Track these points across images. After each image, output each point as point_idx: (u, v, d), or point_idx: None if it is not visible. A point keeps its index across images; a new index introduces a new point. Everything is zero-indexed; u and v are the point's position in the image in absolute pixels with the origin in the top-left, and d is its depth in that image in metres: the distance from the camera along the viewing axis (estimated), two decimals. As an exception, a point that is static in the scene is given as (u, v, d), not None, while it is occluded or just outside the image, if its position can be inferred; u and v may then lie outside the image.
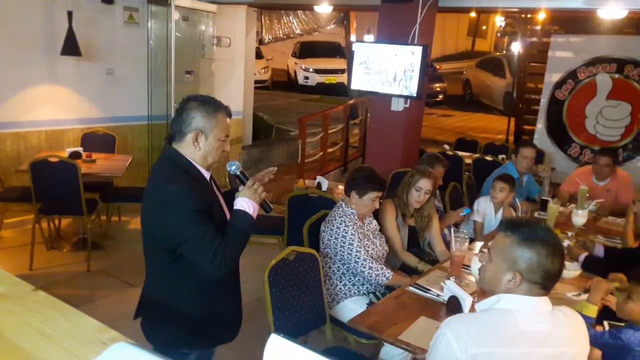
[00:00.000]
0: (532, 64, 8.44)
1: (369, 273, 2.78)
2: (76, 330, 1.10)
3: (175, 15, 5.57)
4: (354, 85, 5.19)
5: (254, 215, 1.99)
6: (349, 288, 2.85)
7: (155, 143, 5.88)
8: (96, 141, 5.18)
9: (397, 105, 4.94)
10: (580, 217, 3.65)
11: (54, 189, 4.12)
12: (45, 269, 4.25)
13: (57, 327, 1.07)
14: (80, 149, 4.76)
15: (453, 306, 2.28)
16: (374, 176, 2.89)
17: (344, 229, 2.79)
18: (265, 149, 8.02)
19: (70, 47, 4.86)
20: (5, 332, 1.02)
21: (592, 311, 2.14)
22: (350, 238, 2.78)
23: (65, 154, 4.49)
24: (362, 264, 2.77)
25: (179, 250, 1.90)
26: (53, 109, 5.18)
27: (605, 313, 2.31)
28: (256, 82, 8.36)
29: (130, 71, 5.65)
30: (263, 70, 15.78)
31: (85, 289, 3.98)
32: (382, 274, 2.80)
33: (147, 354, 0.78)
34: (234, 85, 6.93)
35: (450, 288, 2.35)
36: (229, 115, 2.03)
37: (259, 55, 12.38)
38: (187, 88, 5.95)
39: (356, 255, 2.77)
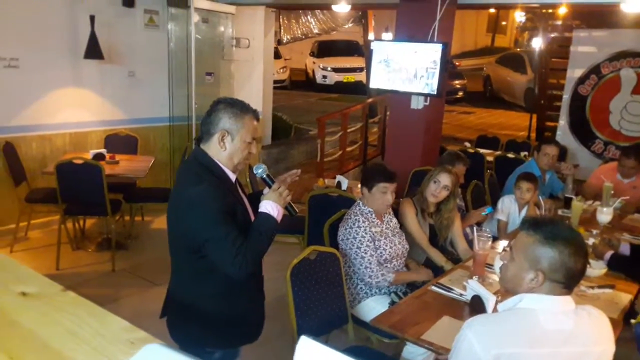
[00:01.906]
0: (554, 59, 8.31)
1: (369, 280, 2.76)
2: (105, 330, 1.12)
3: (195, 18, 5.63)
4: (373, 84, 5.17)
5: (279, 219, 2.01)
6: (370, 287, 2.85)
7: (177, 144, 5.95)
8: (119, 143, 5.26)
9: (417, 103, 4.92)
10: (605, 215, 3.58)
11: (78, 190, 4.19)
12: (71, 268, 4.33)
13: (86, 326, 1.10)
14: (103, 150, 4.83)
15: (476, 305, 2.26)
16: (380, 168, 2.89)
17: (356, 230, 2.78)
18: (285, 149, 8.04)
19: (93, 50, 4.95)
20: (37, 331, 1.05)
21: None
22: (360, 239, 2.76)
23: (89, 155, 4.57)
24: (366, 266, 2.75)
25: (202, 250, 1.92)
26: (77, 111, 5.27)
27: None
28: (275, 82, 8.39)
29: (152, 73, 5.72)
30: (281, 70, 15.82)
31: (110, 288, 4.05)
32: (383, 279, 2.77)
33: (179, 356, 0.79)
34: (253, 85, 6.97)
35: (473, 287, 2.33)
36: (257, 118, 2.06)
37: (277, 55, 12.41)
38: (207, 89, 6.02)
39: (361, 258, 2.75)
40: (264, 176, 2.11)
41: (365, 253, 2.76)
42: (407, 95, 4.94)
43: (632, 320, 2.44)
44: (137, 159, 5.00)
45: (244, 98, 2.09)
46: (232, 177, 2.05)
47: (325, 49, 16.56)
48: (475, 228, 2.91)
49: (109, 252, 4.46)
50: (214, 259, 1.92)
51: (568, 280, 1.51)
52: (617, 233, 3.53)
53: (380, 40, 5.79)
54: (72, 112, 5.24)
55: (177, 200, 2.00)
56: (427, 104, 4.88)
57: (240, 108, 1.99)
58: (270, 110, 7.93)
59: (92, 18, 4.92)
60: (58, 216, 4.45)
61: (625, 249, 3.11)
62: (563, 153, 5.91)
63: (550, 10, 8.24)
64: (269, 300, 2.25)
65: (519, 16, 20.73)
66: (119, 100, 5.54)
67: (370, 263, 2.76)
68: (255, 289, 2.17)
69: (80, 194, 4.24)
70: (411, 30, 4.92)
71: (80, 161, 4.18)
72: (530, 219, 1.65)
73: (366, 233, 2.78)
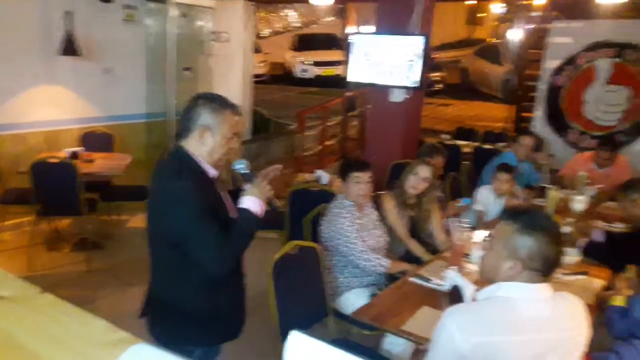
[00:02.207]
0: (531, 50, 8.42)
1: (364, 265, 2.79)
2: (86, 332, 1.11)
3: (174, 12, 5.56)
4: (352, 78, 5.18)
5: (260, 214, 2.00)
6: (350, 280, 2.87)
7: (154, 141, 5.88)
8: (95, 140, 5.18)
9: (397, 96, 4.94)
10: (579, 203, 3.66)
11: (53, 190, 4.12)
12: (46, 270, 4.25)
13: (67, 329, 1.09)
14: (79, 149, 4.76)
15: (454, 295, 2.29)
16: (352, 159, 2.94)
17: (341, 221, 2.81)
18: (264, 144, 8.02)
19: (69, 47, 4.86)
20: (15, 335, 1.03)
21: (620, 300, 2.39)
22: (347, 229, 2.79)
23: (64, 154, 4.49)
24: (358, 255, 2.78)
25: (183, 247, 1.91)
26: (52, 109, 5.18)
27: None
28: (254, 76, 8.34)
29: (129, 69, 5.64)
30: (261, 65, 15.73)
31: (87, 289, 3.99)
32: (379, 263, 2.81)
33: (167, 355, 0.80)
34: (232, 80, 6.92)
35: (451, 277, 2.36)
36: (238, 113, 2.04)
37: (256, 50, 12.33)
38: (185, 85, 5.95)
39: (352, 247, 2.78)
40: (245, 171, 2.10)
41: (355, 243, 2.79)
42: (387, 89, 4.96)
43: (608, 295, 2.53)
44: (114, 157, 4.93)
45: (224, 93, 2.07)
46: (213, 173, 2.04)
47: (304, 43, 16.49)
48: (453, 219, 2.95)
49: (84, 253, 4.39)
50: (195, 256, 1.91)
51: (545, 268, 1.55)
52: (591, 221, 3.62)
53: (360, 33, 5.79)
54: (47, 110, 5.14)
55: (156, 198, 1.99)
56: (409, 96, 4.91)
57: (220, 103, 1.97)
58: (250, 105, 7.89)
59: (68, 14, 4.82)
60: (32, 217, 4.36)
61: (599, 236, 3.19)
62: (539, 144, 6.00)
63: (528, 2, 8.32)
64: (250, 296, 2.24)
65: (498, 8, 20.90)
66: (95, 97, 5.45)
67: (362, 252, 2.79)
68: (237, 285, 2.17)
69: (55, 194, 4.16)
70: (392, 23, 4.93)
71: (55, 160, 4.11)
72: (509, 209, 1.68)
73: (352, 224, 2.81)
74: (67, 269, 4.31)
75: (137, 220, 5.25)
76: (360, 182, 2.85)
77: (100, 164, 4.61)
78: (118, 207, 5.27)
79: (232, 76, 6.93)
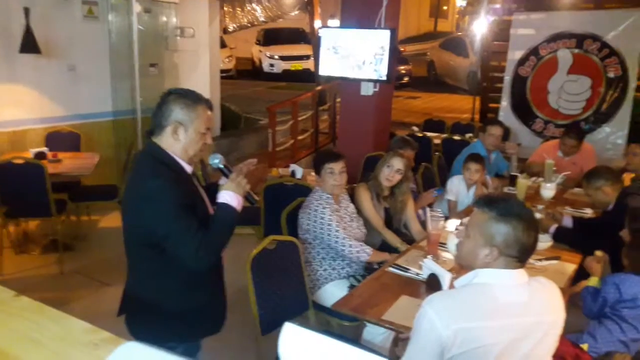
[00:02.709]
0: (495, 42, 8.57)
1: (349, 251, 2.82)
2: (65, 334, 1.09)
3: (137, 8, 5.45)
4: (323, 71, 5.18)
5: (239, 208, 1.99)
6: (329, 272, 2.89)
7: (122, 139, 5.77)
8: (61, 140, 5.06)
9: (367, 90, 4.97)
10: (548, 190, 3.76)
11: (20, 191, 4.00)
12: (16, 274, 4.14)
13: (45, 331, 1.06)
14: (45, 149, 4.64)
15: (432, 283, 2.33)
16: (324, 151, 2.96)
17: (322, 211, 2.83)
18: (235, 140, 7.96)
19: (29, 44, 4.71)
20: (-7, 340, 1.01)
21: (594, 281, 2.54)
22: (329, 219, 2.82)
23: (29, 154, 4.38)
24: (341, 243, 2.81)
25: (162, 244, 1.89)
26: (14, 109, 5.02)
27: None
28: (221, 71, 8.26)
29: (93, 67, 5.51)
30: (227, 60, 15.57)
31: (60, 291, 3.91)
32: (362, 249, 2.85)
33: (157, 352, 0.79)
34: (199, 76, 6.84)
35: (428, 266, 2.40)
36: (210, 107, 2.02)
37: (222, 44, 12.20)
38: (151, 81, 5.86)
39: (335, 235, 2.81)
40: (221, 166, 2.08)
41: (338, 231, 2.81)
42: (357, 82, 4.98)
43: (584, 282, 2.62)
44: (81, 157, 4.83)
45: (191, 88, 2.05)
46: (188, 168, 2.02)
47: (271, 37, 16.40)
48: (427, 209, 2.99)
49: (55, 254, 4.30)
50: (175, 254, 1.89)
51: (521, 254, 1.58)
52: (560, 207, 3.72)
53: (328, 27, 5.79)
54: (9, 110, 4.98)
55: (132, 196, 1.96)
56: (377, 90, 4.94)
57: (192, 98, 1.95)
58: (218, 100, 7.81)
59: (26, 10, 4.67)
60: (-1, 220, 4.24)
61: (568, 222, 3.29)
62: (506, 133, 6.14)
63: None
64: (230, 292, 2.24)
65: (460, 0, 21.23)
66: (59, 96, 5.31)
67: (345, 239, 2.81)
68: (217, 281, 2.16)
69: (22, 195, 4.05)
70: (358, 16, 4.95)
71: (20, 161, 4.00)
72: (484, 197, 1.71)
73: (332, 213, 2.84)
74: (38, 272, 4.21)
75: (109, 220, 5.16)
76: (334, 173, 2.88)
77: (68, 163, 4.51)
78: (88, 207, 5.17)
79: (199, 72, 6.85)
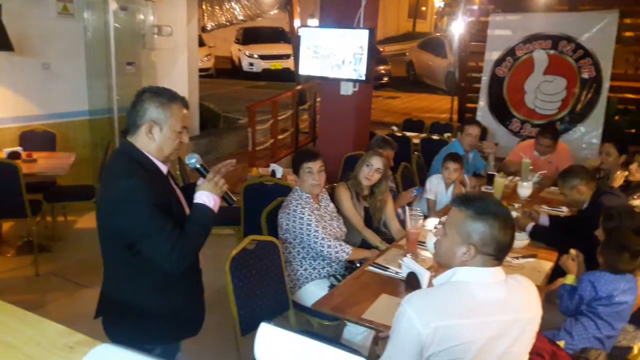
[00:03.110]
0: (473, 43, 8.67)
1: (328, 251, 2.82)
2: (40, 337, 1.07)
3: (113, 5, 5.37)
4: (303, 71, 5.18)
5: (215, 209, 1.97)
6: (309, 272, 2.89)
7: (99, 138, 5.68)
8: (36, 140, 4.96)
9: (347, 90, 4.98)
10: (525, 189, 3.82)
11: (-6, 191, 3.92)
12: (-10, 276, 4.06)
13: (19, 334, 1.04)
14: (19, 148, 4.55)
15: (412, 282, 2.35)
16: (302, 151, 2.96)
17: (301, 211, 2.83)
18: (214, 139, 7.91)
19: (1, 41, 4.59)
20: (-36, 344, 0.98)
21: (571, 279, 2.57)
22: (308, 219, 2.81)
23: (3, 154, 4.29)
24: (320, 243, 2.81)
25: (136, 245, 1.87)
26: (-14, 108, 4.91)
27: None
28: (199, 70, 8.20)
29: (68, 65, 5.41)
30: (206, 58, 15.45)
31: (35, 293, 3.83)
32: (342, 249, 2.85)
33: (131, 354, 0.78)
34: (177, 74, 6.77)
35: (408, 265, 2.42)
36: (186, 106, 2.00)
37: (201, 43, 12.11)
38: (128, 80, 5.78)
39: (315, 235, 2.81)
40: (198, 166, 2.06)
41: (317, 230, 2.81)
42: (337, 82, 4.98)
43: (560, 280, 2.66)
44: (57, 156, 4.74)
45: (169, 87, 2.02)
46: (164, 168, 2.00)
47: (250, 36, 16.33)
48: (407, 208, 3.01)
49: (30, 256, 4.21)
50: (150, 254, 1.87)
51: (498, 252, 1.60)
52: (536, 206, 3.78)
53: (307, 26, 5.78)
54: (-19, 109, 4.87)
55: (107, 196, 1.93)
56: (357, 90, 4.95)
57: (167, 97, 1.93)
58: (197, 99, 7.74)
59: (-3, 6, 4.56)
60: (-29, 221, 4.15)
61: (544, 220, 3.35)
62: (484, 133, 6.22)
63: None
64: (208, 293, 2.22)
65: (438, 1, 21.42)
66: (34, 95, 5.20)
67: (324, 239, 2.81)
68: (194, 282, 2.14)
69: (-4, 196, 3.97)
70: (337, 16, 4.95)
71: (-7, 161, 3.91)
72: (461, 196, 1.72)
73: (312, 213, 2.83)
74: (12, 274, 4.12)
75: (85, 221, 5.08)
76: (313, 172, 2.87)
77: (43, 163, 4.42)
78: (64, 208, 5.09)
79: (177, 70, 6.79)
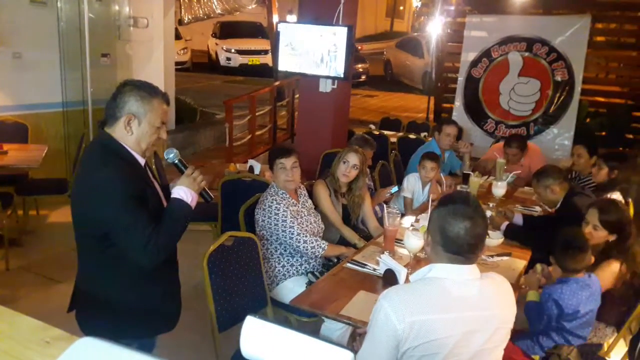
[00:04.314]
0: (449, 43, 8.76)
1: (304, 247, 2.82)
2: (14, 332, 1.05)
3: (87, -5, 5.26)
4: (282, 67, 5.16)
5: (193, 205, 1.96)
6: (287, 269, 2.89)
7: (72, 130, 5.56)
8: (6, 131, 4.81)
9: (325, 87, 4.98)
10: (499, 189, 3.88)
11: (-39, 184, 3.82)
12: (-43, 271, 3.95)
13: (-6, 330, 1.02)
14: (-12, 140, 4.42)
15: (389, 279, 2.37)
16: (277, 146, 2.96)
17: (276, 207, 2.82)
18: (190, 134, 7.82)
19: (-30, 29, 4.47)
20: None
21: (533, 295, 2.51)
22: (283, 215, 2.81)
23: (-29, 146, 4.16)
24: (296, 238, 2.81)
25: (110, 237, 1.85)
26: (-47, 97, 4.76)
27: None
28: (176, 63, 8.09)
29: (41, 55, 5.27)
30: (182, 52, 15.27)
31: (5, 288, 3.74)
32: (318, 245, 2.86)
33: (114, 347, 0.77)
34: (153, 67, 6.66)
35: (385, 262, 2.45)
36: (167, 102, 1.98)
37: (177, 36, 11.95)
38: (103, 72, 5.68)
39: (290, 231, 2.80)
40: (176, 161, 2.05)
41: (292, 227, 2.81)
42: (316, 79, 4.98)
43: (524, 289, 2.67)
44: (28, 148, 4.62)
45: (144, 80, 2.01)
46: (141, 160, 1.97)
47: (228, 31, 16.18)
48: (384, 206, 3.03)
49: (1, 250, 4.10)
50: (124, 247, 1.85)
51: (469, 251, 1.62)
52: (510, 205, 3.85)
53: (286, 22, 5.75)
54: (-52, 99, 4.72)
55: (81, 187, 1.91)
56: (335, 87, 4.96)
57: (148, 91, 1.91)
58: (173, 93, 7.64)
59: (-34, -7, 4.43)
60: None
61: (518, 219, 3.41)
62: (459, 133, 6.31)
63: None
64: (185, 289, 2.21)
65: (416, 1, 21.57)
66: (4, 85, 5.05)
67: (300, 234, 2.81)
68: (170, 277, 2.12)
69: (-36, 189, 3.86)
70: (316, 12, 4.95)
71: (-39, 152, 3.79)
72: (443, 196, 1.76)
73: (287, 209, 2.83)
74: (-19, 269, 4.01)
75: (58, 215, 4.98)
76: (286, 168, 2.86)
77: (14, 155, 4.30)
78: (36, 201, 4.98)
79: (153, 63, 6.67)
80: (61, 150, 5.48)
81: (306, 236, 2.84)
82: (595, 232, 2.65)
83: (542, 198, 3.41)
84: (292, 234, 2.81)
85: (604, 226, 2.65)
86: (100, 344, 0.79)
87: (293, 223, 2.82)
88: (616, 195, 3.40)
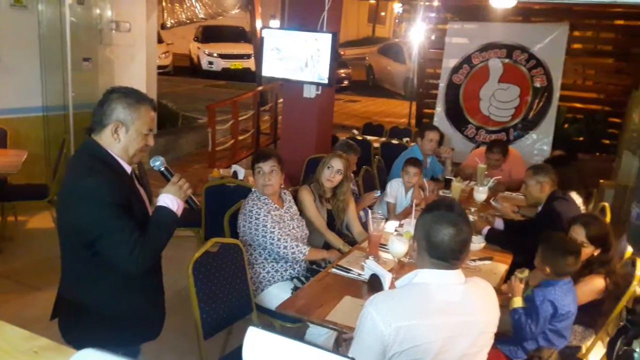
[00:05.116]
0: (431, 50, 8.86)
1: (284, 252, 2.82)
2: (1, 341, 1.04)
3: (69, -1, 5.21)
4: (266, 72, 5.16)
5: (179, 213, 1.96)
6: (272, 275, 2.89)
7: (53, 135, 5.48)
8: (-16, 136, 4.75)
9: (310, 92, 4.99)
10: (481, 194, 3.94)
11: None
12: None
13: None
14: (-35, 145, 4.35)
15: (374, 284, 2.39)
16: (258, 151, 2.96)
17: (256, 212, 2.82)
18: (172, 139, 7.76)
19: (-52, 32, 4.39)
20: None
21: (519, 302, 2.47)
22: (263, 220, 2.81)
23: (-53, 151, 4.09)
24: (277, 244, 2.81)
25: (96, 245, 1.84)
26: None
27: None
28: (157, 67, 8.04)
29: (21, 59, 5.20)
30: (163, 55, 15.16)
31: (-17, 296, 3.68)
32: (299, 250, 2.86)
33: (115, 358, 0.78)
34: (135, 72, 6.61)
35: (370, 267, 2.46)
36: (154, 108, 1.99)
37: (159, 40, 11.88)
38: (85, 76, 5.63)
39: (270, 236, 2.80)
40: (162, 169, 2.05)
41: (272, 232, 2.80)
42: (300, 84, 5.00)
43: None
44: (7, 154, 4.55)
45: (126, 85, 2.01)
46: (128, 168, 1.97)
47: (210, 35, 16.13)
48: (369, 211, 3.05)
49: (-21, 258, 4.04)
50: (109, 255, 1.85)
51: (454, 257, 1.64)
52: (491, 210, 3.91)
53: (270, 28, 5.77)
54: None
55: (67, 194, 1.90)
56: (319, 93, 4.98)
57: (135, 98, 1.91)
58: (155, 97, 7.59)
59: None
60: None
61: (499, 224, 3.46)
62: (440, 138, 6.37)
63: (427, 3, 8.72)
64: (169, 296, 2.20)
65: (397, 7, 21.77)
66: (-18, 89, 4.98)
67: (280, 240, 2.81)
68: (155, 285, 2.12)
69: (-59, 195, 3.78)
70: (301, 19, 4.97)
71: (-62, 158, 3.72)
72: (430, 203, 1.78)
73: (267, 215, 2.82)
74: (-41, 276, 3.93)
75: (38, 221, 4.91)
76: (263, 173, 2.85)
77: (-8, 161, 4.24)
78: (15, 207, 4.88)
79: (135, 67, 6.63)
80: (41, 155, 5.40)
81: (287, 241, 2.83)
82: (584, 250, 2.59)
83: (529, 192, 3.40)
84: (273, 239, 2.80)
85: (591, 242, 2.64)
86: (101, 356, 0.80)
87: (274, 228, 2.81)
88: (574, 195, 3.47)
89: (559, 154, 5.65)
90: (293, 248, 2.84)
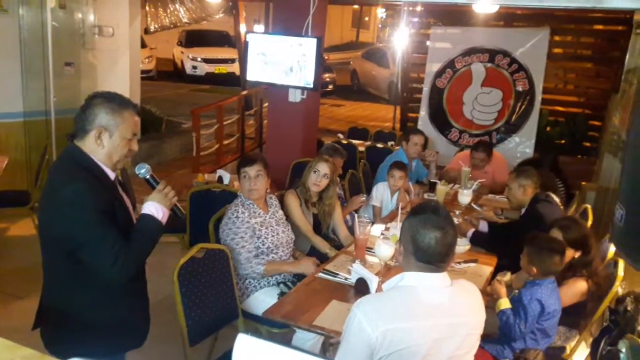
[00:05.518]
0: (415, 54, 8.93)
1: (243, 265, 2.77)
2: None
3: (51, 3, 5.15)
4: (250, 77, 5.16)
5: (163, 221, 1.94)
6: (258, 280, 2.87)
7: (34, 141, 5.41)
8: (-37, 141, 4.66)
9: (295, 97, 5.00)
10: (465, 197, 3.97)
11: None
12: None
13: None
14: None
15: (361, 287, 2.39)
16: (244, 156, 2.93)
17: (233, 220, 2.80)
18: (156, 143, 7.70)
19: None
20: None
21: (506, 303, 2.48)
22: (235, 232, 2.77)
23: None
24: (239, 253, 2.75)
25: (78, 253, 1.81)
26: None
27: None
28: (141, 72, 7.98)
29: (1, 63, 5.12)
30: (147, 60, 15.05)
31: (-38, 306, 3.61)
32: (252, 271, 2.77)
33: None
34: (118, 76, 6.56)
35: (357, 270, 2.47)
36: (138, 113, 1.96)
37: (142, 44, 11.78)
38: (67, 81, 5.57)
39: (237, 248, 2.76)
40: (148, 176, 2.02)
41: (244, 242, 2.76)
42: (285, 89, 5.00)
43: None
44: (-13, 160, 4.48)
45: (109, 89, 1.99)
46: (111, 175, 1.95)
47: (194, 39, 16.05)
48: (355, 215, 3.06)
49: (-43, 266, 3.96)
50: (92, 263, 1.82)
51: (439, 260, 1.65)
52: (476, 212, 3.94)
53: (255, 32, 5.76)
54: None
55: (49, 201, 1.87)
56: (305, 97, 4.99)
57: (118, 103, 1.89)
58: (138, 102, 7.52)
59: None
60: None
61: (484, 226, 3.49)
62: (425, 142, 6.42)
63: (411, 8, 8.79)
64: (153, 303, 2.17)
65: (381, 12, 21.90)
66: (-39, 94, 4.90)
67: (241, 254, 2.75)
68: (139, 293, 2.09)
69: None
70: (286, 23, 4.98)
71: None
72: (415, 206, 1.79)
73: (243, 224, 2.79)
74: None
75: (18, 228, 4.82)
76: (249, 177, 2.83)
77: (-29, 167, 4.15)
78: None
79: (118, 72, 6.58)
80: (22, 161, 5.32)
81: (244, 260, 2.75)
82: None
83: (512, 195, 3.45)
84: (236, 249, 2.75)
85: (570, 245, 2.66)
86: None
87: (244, 241, 2.76)
88: (554, 196, 3.52)
89: (532, 158, 5.74)
90: (247, 269, 2.76)
